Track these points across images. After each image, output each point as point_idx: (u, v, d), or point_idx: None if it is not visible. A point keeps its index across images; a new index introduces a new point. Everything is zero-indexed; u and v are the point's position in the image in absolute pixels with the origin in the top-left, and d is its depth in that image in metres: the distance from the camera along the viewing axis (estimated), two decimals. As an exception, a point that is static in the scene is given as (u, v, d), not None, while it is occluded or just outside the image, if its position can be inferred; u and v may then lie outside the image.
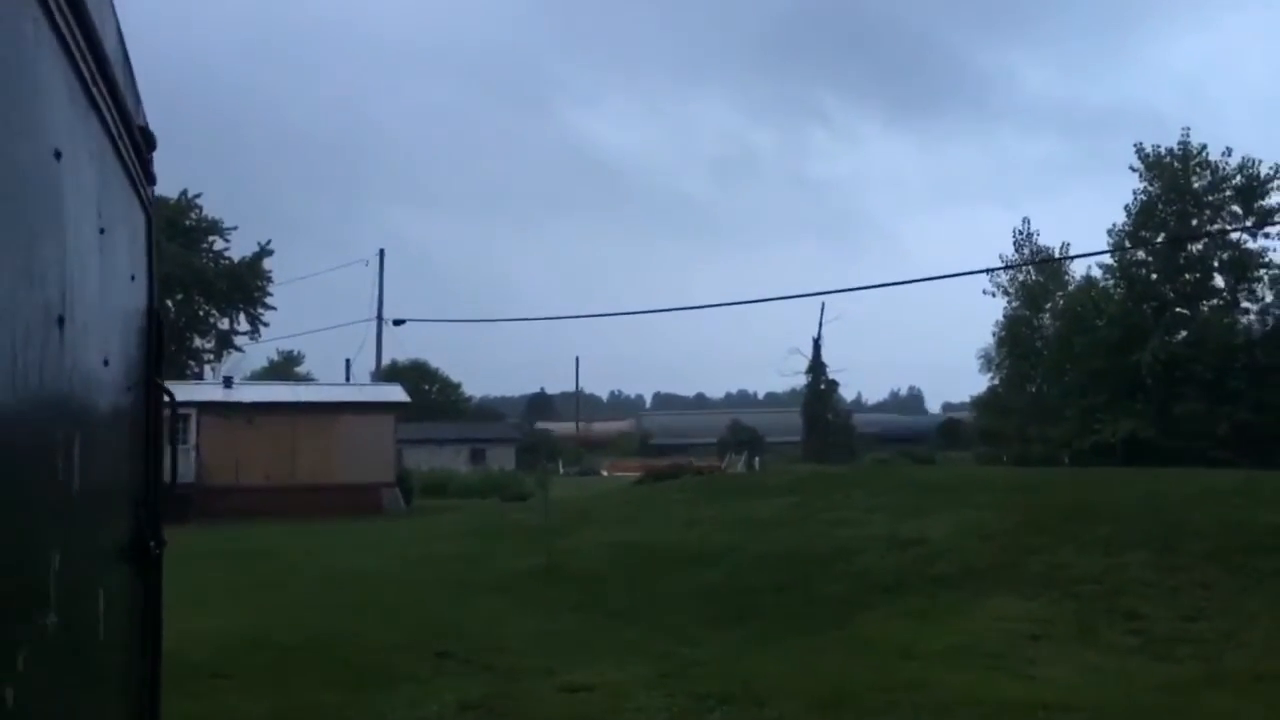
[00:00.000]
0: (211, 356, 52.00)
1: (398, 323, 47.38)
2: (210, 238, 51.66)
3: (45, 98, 1.98)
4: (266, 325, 53.39)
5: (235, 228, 52.05)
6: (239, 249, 52.36)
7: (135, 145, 3.19)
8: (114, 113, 2.74)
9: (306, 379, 66.63)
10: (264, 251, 52.27)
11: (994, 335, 52.22)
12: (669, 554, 19.08)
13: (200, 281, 48.79)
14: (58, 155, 2.04)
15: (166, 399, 3.54)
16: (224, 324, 52.09)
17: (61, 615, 2.09)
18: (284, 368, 77.85)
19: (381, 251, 50.25)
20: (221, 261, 51.58)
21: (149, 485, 3.37)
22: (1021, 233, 50.63)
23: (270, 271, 52.80)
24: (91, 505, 2.41)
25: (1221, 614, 12.34)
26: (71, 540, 2.16)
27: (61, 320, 2.04)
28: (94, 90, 2.44)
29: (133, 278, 3.12)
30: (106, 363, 2.62)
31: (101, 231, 2.57)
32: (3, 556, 1.73)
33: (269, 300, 52.83)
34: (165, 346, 3.64)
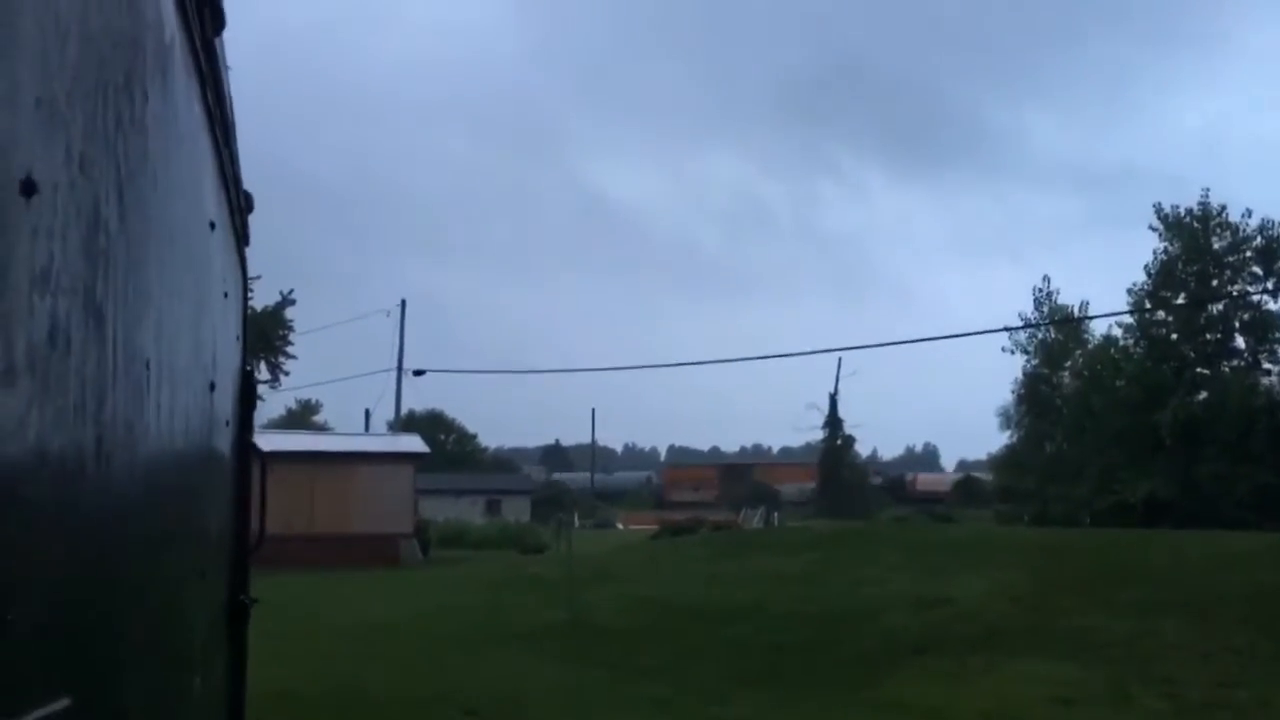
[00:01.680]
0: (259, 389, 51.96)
1: (418, 373, 47.57)
2: (232, 286, 51.96)
3: (204, 172, 2.06)
4: (287, 374, 53.56)
5: (258, 277, 52.28)
6: (261, 298, 52.61)
7: (240, 207, 3.28)
8: (234, 180, 2.83)
9: (324, 428, 66.80)
10: (286, 301, 52.57)
11: (1013, 393, 52.09)
12: (693, 610, 18.99)
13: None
14: (212, 226, 2.12)
15: (257, 457, 3.61)
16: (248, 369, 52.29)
17: (190, 662, 2.14)
18: (302, 416, 78.03)
19: (403, 302, 50.55)
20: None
21: (240, 539, 3.43)
22: (1041, 290, 50.64)
23: (292, 321, 53.07)
24: (216, 558, 2.47)
25: (1258, 680, 12.22)
26: (206, 590, 2.21)
27: (213, 386, 2.11)
28: (224, 161, 2.53)
29: (237, 338, 3.21)
30: (228, 423, 2.69)
31: (225, 295, 2.65)
32: (160, 603, 1.79)
33: (290, 349, 53.06)
34: (255, 405, 3.72)
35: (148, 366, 1.44)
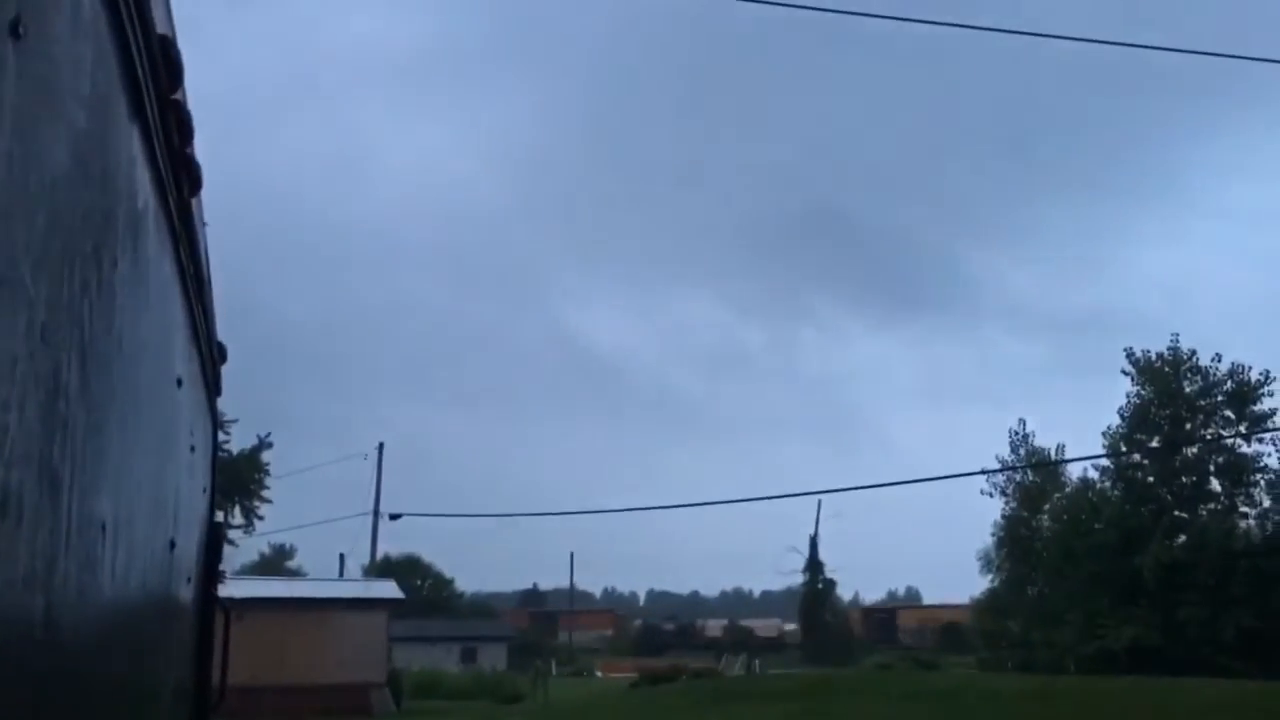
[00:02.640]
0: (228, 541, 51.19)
1: (394, 517, 47.08)
2: (209, 430, 51.61)
3: (173, 330, 2.09)
4: (262, 519, 52.91)
5: (235, 420, 52.12)
6: (238, 442, 52.30)
7: (213, 358, 3.31)
8: (205, 332, 2.86)
9: (298, 573, 65.76)
10: (263, 444, 52.26)
11: (992, 536, 51.83)
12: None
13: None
14: (179, 383, 2.14)
15: (221, 610, 3.56)
16: (219, 518, 51.57)
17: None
18: (275, 562, 76.74)
19: (380, 445, 50.33)
20: (220, 454, 51.47)
21: (201, 696, 3.36)
22: (1017, 434, 50.86)
23: (268, 464, 52.66)
24: (172, 713, 2.42)
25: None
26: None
27: (173, 544, 2.10)
28: (196, 317, 2.57)
29: (204, 490, 3.20)
30: (189, 579, 2.66)
31: (192, 450, 2.66)
32: None
33: (265, 494, 52.52)
34: (221, 557, 3.69)
35: (103, 530, 1.45)
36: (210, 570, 3.51)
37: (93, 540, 1.41)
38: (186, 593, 2.61)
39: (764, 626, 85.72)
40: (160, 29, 1.97)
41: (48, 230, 1.20)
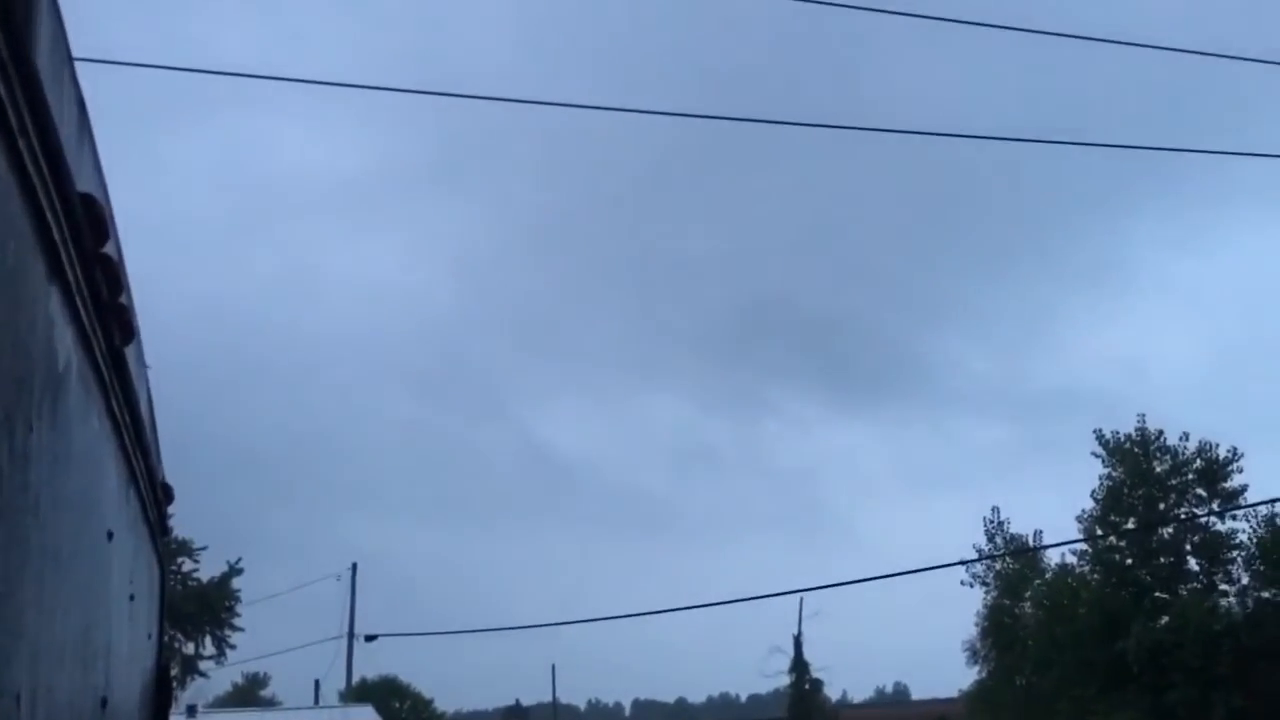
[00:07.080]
0: (176, 684, 49.96)
1: (370, 639, 46.21)
2: (179, 559, 50.91)
3: (103, 482, 2.09)
4: (233, 647, 51.81)
5: (205, 547, 51.36)
6: (208, 569, 51.46)
7: (156, 500, 3.29)
8: (145, 476, 2.85)
9: (273, 702, 64.23)
10: (233, 570, 51.39)
11: (976, 626, 51.44)
12: None
13: (168, 607, 47.45)
14: (110, 536, 2.12)
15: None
16: (189, 648, 50.47)
17: None
18: (249, 691, 74.89)
19: (354, 566, 49.62)
20: (189, 583, 50.57)
21: None
22: (992, 521, 50.85)
23: (239, 591, 51.76)
24: None
25: None
26: None
27: (105, 702, 2.06)
28: (134, 461, 2.56)
29: (149, 636, 3.15)
30: (130, 731, 2.61)
31: (131, 598, 2.62)
32: None
33: (236, 621, 51.49)
34: (170, 702, 3.62)
35: (17, 701, 1.43)
36: (160, 714, 3.44)
37: (6, 713, 1.39)
38: (127, 748, 2.56)
39: None
40: (85, 187, 2.00)
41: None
